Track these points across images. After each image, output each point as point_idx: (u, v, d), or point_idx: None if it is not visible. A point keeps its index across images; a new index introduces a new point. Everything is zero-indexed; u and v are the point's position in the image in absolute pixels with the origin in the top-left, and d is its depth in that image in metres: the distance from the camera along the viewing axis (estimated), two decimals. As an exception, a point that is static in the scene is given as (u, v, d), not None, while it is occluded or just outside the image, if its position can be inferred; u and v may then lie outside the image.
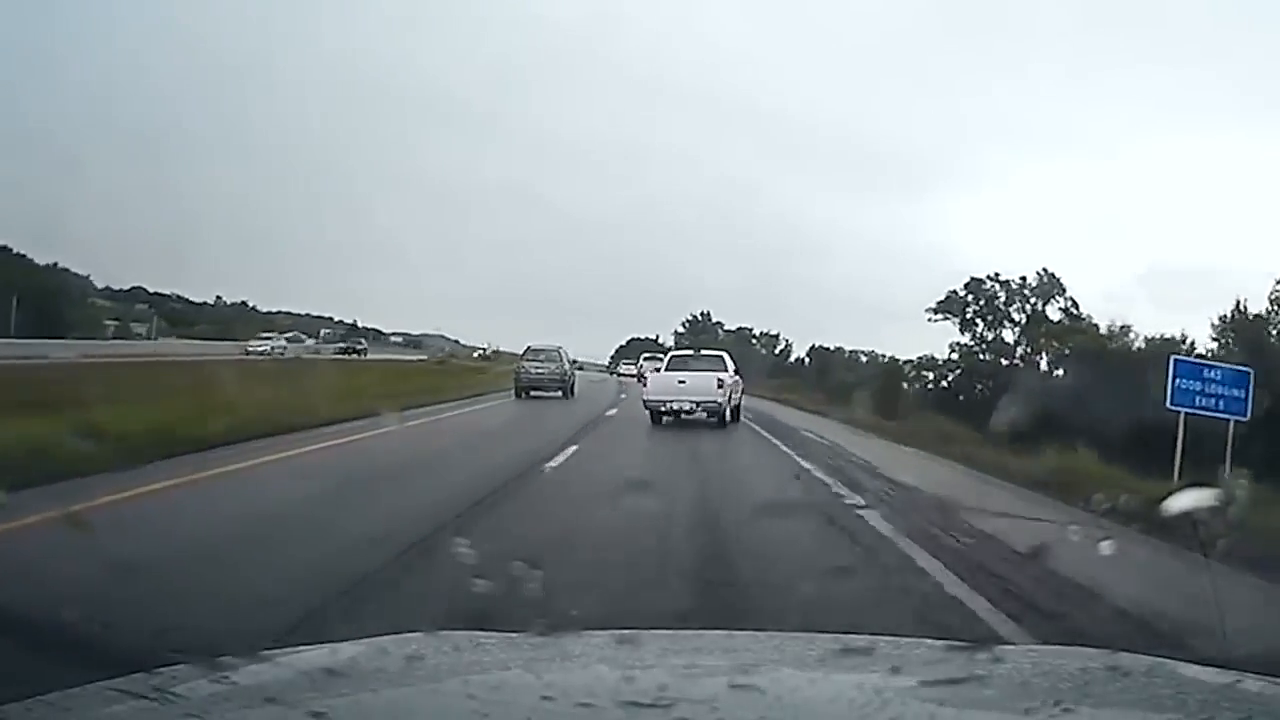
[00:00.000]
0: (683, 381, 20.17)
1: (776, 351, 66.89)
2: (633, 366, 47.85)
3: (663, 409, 19.83)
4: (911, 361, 43.86)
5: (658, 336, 70.53)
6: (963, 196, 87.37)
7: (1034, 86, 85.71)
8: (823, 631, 2.27)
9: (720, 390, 19.85)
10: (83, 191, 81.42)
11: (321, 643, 1.82)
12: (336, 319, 75.48)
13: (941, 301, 43.68)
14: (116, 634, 4.04)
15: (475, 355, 60.90)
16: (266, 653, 1.67)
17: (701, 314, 72.09)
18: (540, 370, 28.81)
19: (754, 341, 67.41)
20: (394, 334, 76.27)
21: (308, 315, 71.58)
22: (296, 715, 1.43)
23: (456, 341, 70.85)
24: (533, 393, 27.80)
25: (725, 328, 69.15)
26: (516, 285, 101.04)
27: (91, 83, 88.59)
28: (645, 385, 22.19)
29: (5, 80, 72.74)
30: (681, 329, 70.51)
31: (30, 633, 3.24)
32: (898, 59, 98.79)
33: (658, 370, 22.55)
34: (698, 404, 19.79)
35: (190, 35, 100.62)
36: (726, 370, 21.04)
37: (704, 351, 23.83)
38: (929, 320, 43.35)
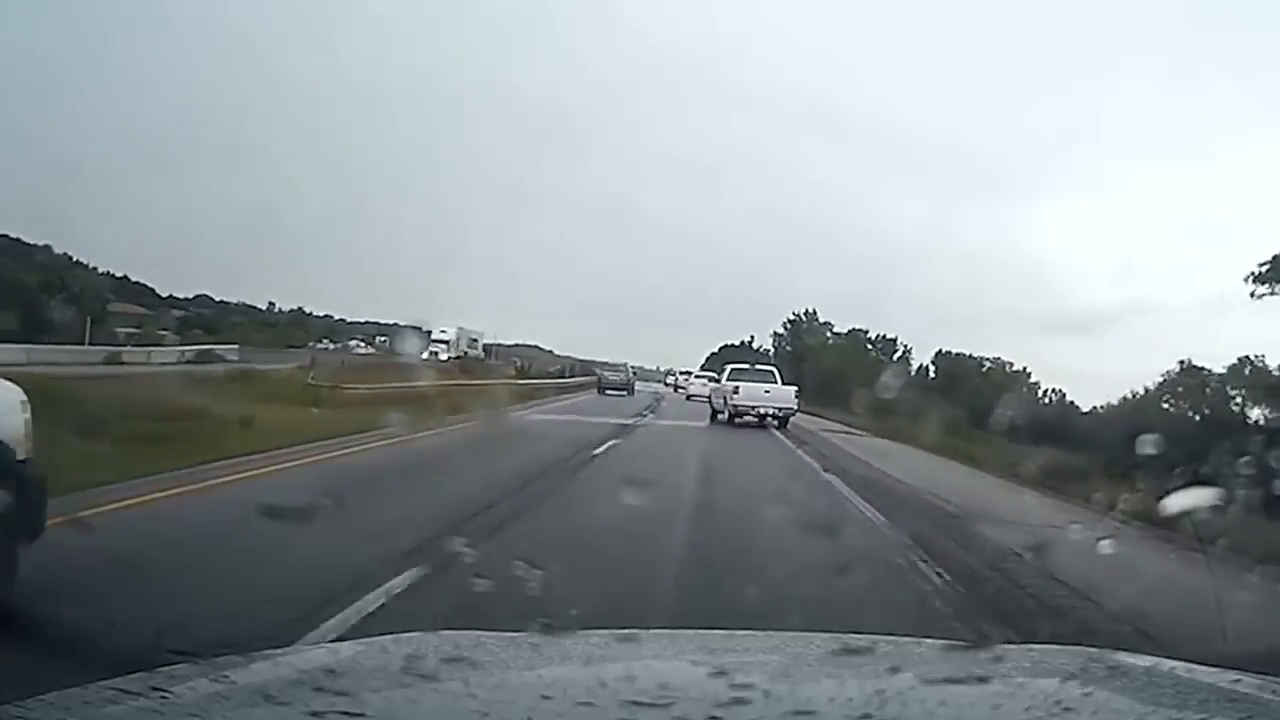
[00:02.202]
0: (737, 391, 25.06)
1: (894, 358, 54.35)
2: (671, 378, 54.54)
3: (743, 412, 24.77)
4: (1204, 372, 24.62)
5: (752, 339, 62.69)
6: (1066, 204, 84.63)
7: (1137, 93, 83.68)
8: (823, 631, 2.27)
9: (795, 400, 25.48)
10: (159, 200, 79.42)
11: (321, 643, 1.82)
12: (423, 329, 72.72)
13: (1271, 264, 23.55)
14: (117, 633, 4.05)
15: (428, 354, 42.07)
16: (266, 652, 1.67)
17: (805, 313, 59.71)
18: (614, 377, 43.43)
19: (870, 347, 54.97)
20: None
21: (394, 324, 69.37)
22: (296, 715, 1.43)
23: (540, 348, 64.25)
24: (608, 391, 40.19)
25: (835, 329, 57.67)
26: (607, 294, 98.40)
27: (167, 91, 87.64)
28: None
29: (64, 92, 72.19)
30: (782, 329, 59.83)
31: (30, 632, 3.25)
32: (995, 64, 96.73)
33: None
34: (770, 409, 24.75)
35: (272, 42, 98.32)
36: (778, 382, 26.32)
37: (759, 366, 28.64)
38: (1252, 295, 24.06)
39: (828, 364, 45.71)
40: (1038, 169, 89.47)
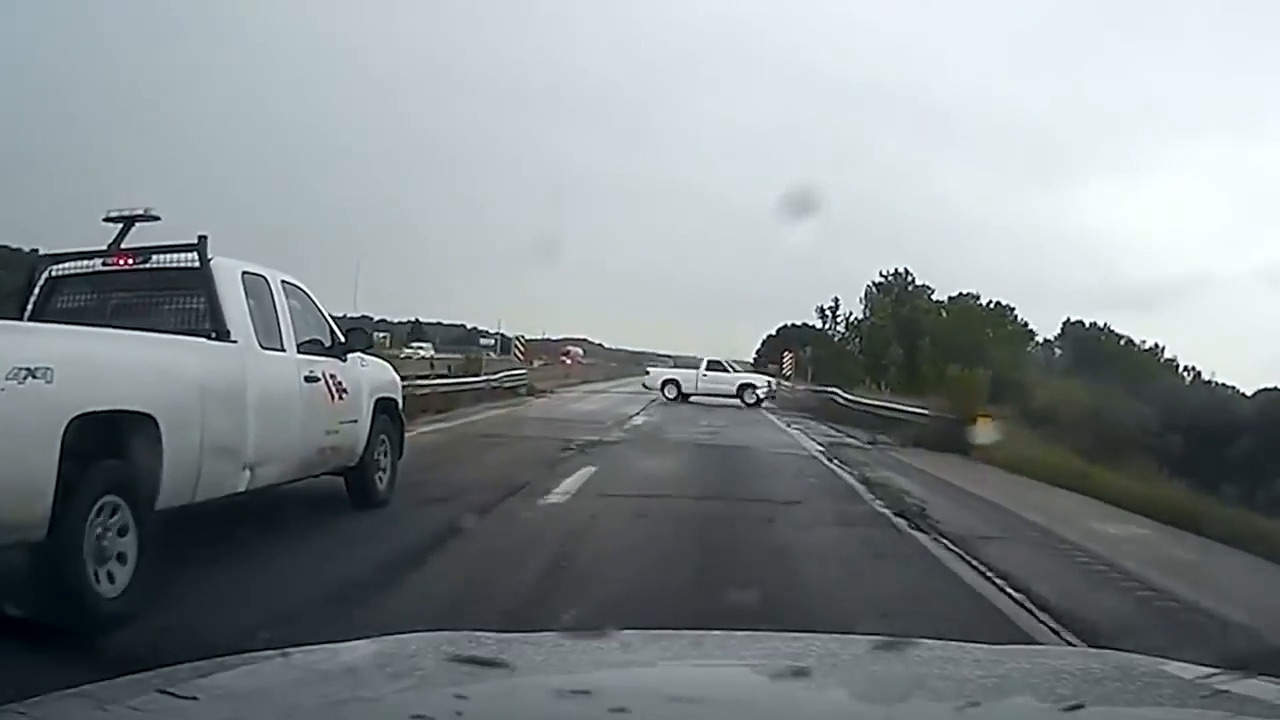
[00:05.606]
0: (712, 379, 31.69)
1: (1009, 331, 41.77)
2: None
3: (699, 395, 30.88)
4: None
5: (837, 303, 46.83)
6: (1125, 181, 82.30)
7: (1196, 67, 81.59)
8: (823, 632, 2.26)
9: (730, 383, 31.73)
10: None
11: (322, 643, 1.82)
12: (469, 326, 66.59)
13: None
14: (116, 634, 4.05)
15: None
16: (266, 653, 1.67)
17: (896, 273, 43.64)
18: (657, 366, 51.82)
19: (984, 315, 41.04)
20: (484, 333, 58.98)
21: (437, 323, 66.90)
22: (297, 715, 1.43)
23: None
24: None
25: (934, 296, 42.30)
26: (661, 282, 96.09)
27: (162, 86, 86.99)
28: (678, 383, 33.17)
29: (63, 90, 71.28)
30: (874, 287, 43.52)
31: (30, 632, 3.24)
32: (1055, 43, 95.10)
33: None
34: (722, 393, 30.83)
35: (272, 39, 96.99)
36: (729, 372, 32.97)
37: (712, 360, 33.79)
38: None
39: (946, 338, 32.96)
40: (1089, 150, 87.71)
